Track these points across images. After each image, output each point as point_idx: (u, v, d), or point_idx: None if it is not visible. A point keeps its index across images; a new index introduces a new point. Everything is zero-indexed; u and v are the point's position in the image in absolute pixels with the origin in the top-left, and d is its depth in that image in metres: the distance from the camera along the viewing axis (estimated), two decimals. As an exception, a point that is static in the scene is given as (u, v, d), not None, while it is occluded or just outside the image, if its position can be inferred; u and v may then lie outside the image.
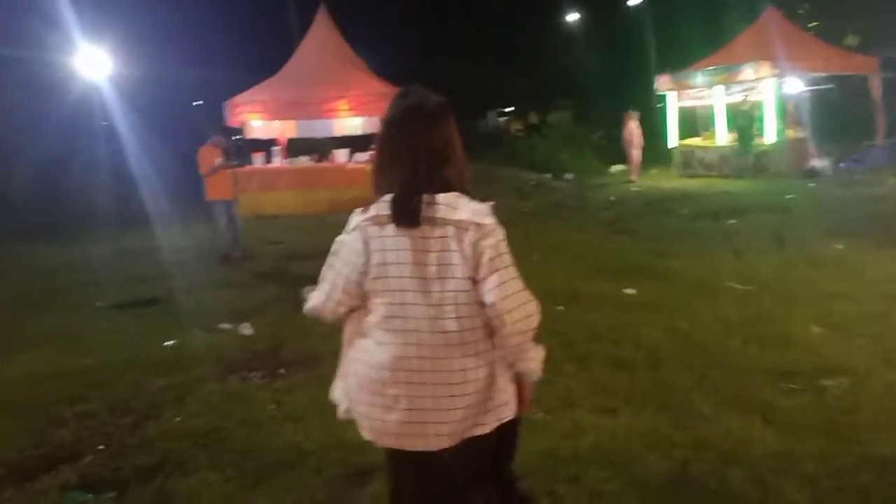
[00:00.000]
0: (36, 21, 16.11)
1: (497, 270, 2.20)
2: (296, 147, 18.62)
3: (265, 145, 17.97)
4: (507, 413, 2.34)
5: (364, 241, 2.27)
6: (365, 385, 2.32)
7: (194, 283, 8.93)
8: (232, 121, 16.37)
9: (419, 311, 2.24)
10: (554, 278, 7.89)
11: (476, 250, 2.19)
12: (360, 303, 2.38)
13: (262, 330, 6.58)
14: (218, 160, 10.33)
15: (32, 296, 8.78)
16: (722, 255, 8.78)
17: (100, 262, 10.93)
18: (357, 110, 16.49)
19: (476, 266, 2.20)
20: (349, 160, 17.09)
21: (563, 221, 12.82)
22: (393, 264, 2.25)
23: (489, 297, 2.19)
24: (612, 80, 33.83)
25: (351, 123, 18.10)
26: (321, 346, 5.93)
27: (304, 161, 17.39)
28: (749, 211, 12.22)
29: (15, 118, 17.39)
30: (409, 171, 2.24)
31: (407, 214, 2.22)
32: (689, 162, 19.91)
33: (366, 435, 2.37)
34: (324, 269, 2.39)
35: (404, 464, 2.38)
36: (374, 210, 2.29)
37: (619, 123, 20.84)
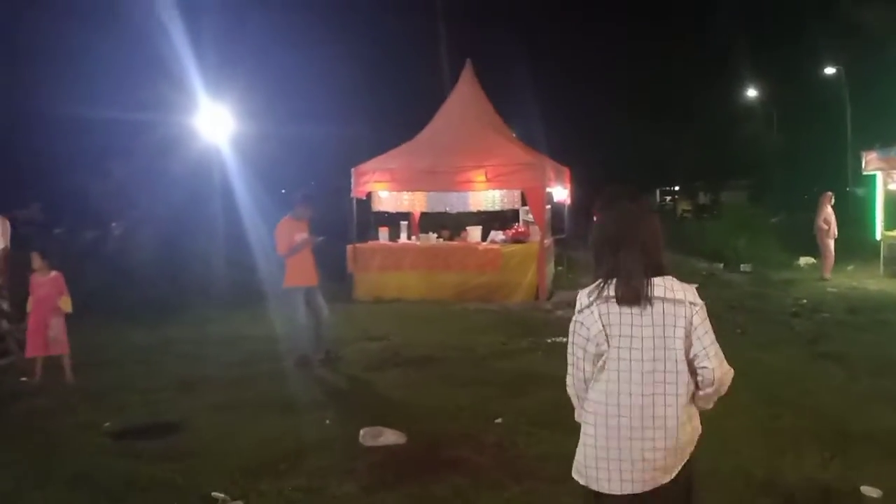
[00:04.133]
0: (163, 84, 15.26)
1: (711, 340, 2.65)
2: (428, 222, 16.62)
3: (393, 219, 16.11)
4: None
5: (598, 315, 2.66)
6: None
7: (243, 399, 6.86)
8: (357, 191, 14.52)
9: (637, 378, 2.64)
10: (735, 438, 5.20)
11: (692, 323, 2.62)
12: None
13: (266, 512, 4.28)
14: (301, 236, 8.35)
15: (55, 406, 6.84)
16: None
17: (163, 355, 9.09)
18: (495, 182, 14.13)
19: (690, 336, 2.63)
20: (483, 239, 14.80)
21: (744, 332, 9.83)
22: (620, 336, 2.63)
23: (704, 362, 2.62)
24: (797, 157, 30.26)
25: (488, 197, 15.97)
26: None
27: (430, 239, 15.25)
28: None
29: (145, 184, 16.55)
30: (629, 258, 2.65)
31: (632, 294, 2.62)
32: (901, 258, 16.12)
33: None
34: (569, 349, 2.78)
35: None
36: (601, 291, 2.67)
37: (801, 206, 17.51)
